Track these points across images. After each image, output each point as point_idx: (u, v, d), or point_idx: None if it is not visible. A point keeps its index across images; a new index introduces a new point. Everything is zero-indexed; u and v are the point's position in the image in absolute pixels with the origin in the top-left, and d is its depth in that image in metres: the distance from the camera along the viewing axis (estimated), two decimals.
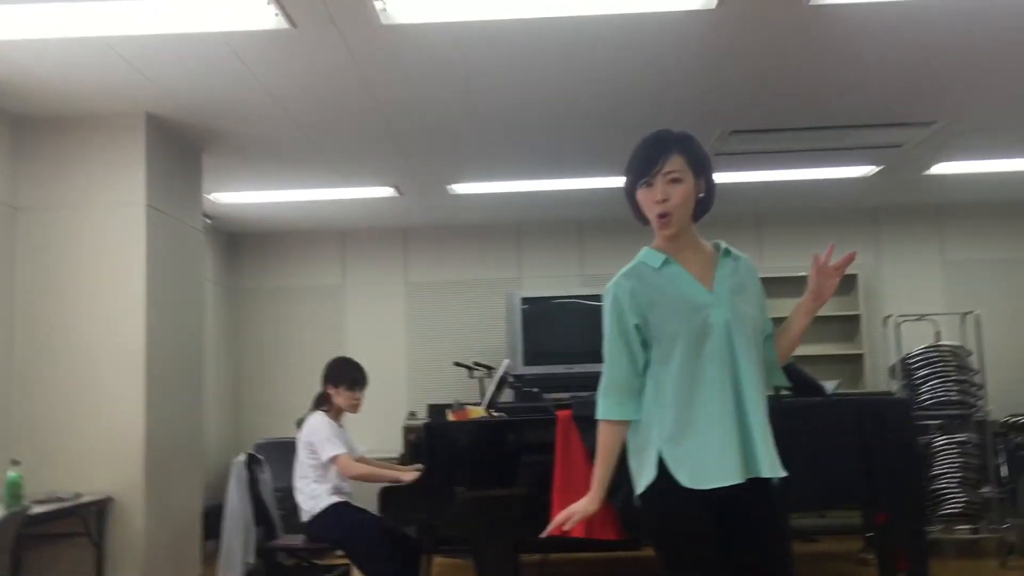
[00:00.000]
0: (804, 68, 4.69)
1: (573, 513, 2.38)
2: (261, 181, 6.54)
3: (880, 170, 6.72)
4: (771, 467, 2.29)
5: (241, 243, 8.35)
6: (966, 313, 7.03)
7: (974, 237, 8.13)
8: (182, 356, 5.34)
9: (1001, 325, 7.80)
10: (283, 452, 6.52)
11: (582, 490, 3.87)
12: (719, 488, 2.25)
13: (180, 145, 5.41)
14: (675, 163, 2.37)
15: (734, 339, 2.31)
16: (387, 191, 6.90)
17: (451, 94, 4.86)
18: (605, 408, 2.39)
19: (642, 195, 2.40)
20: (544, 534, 2.34)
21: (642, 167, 2.39)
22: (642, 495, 2.34)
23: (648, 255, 2.44)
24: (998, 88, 5.07)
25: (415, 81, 4.65)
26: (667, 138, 2.41)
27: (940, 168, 6.77)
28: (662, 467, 2.29)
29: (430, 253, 8.34)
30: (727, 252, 2.45)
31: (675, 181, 2.36)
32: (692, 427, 2.29)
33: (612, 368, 2.39)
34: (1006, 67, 4.74)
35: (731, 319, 2.32)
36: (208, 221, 7.50)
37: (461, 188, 6.89)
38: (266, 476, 4.55)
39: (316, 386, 4.72)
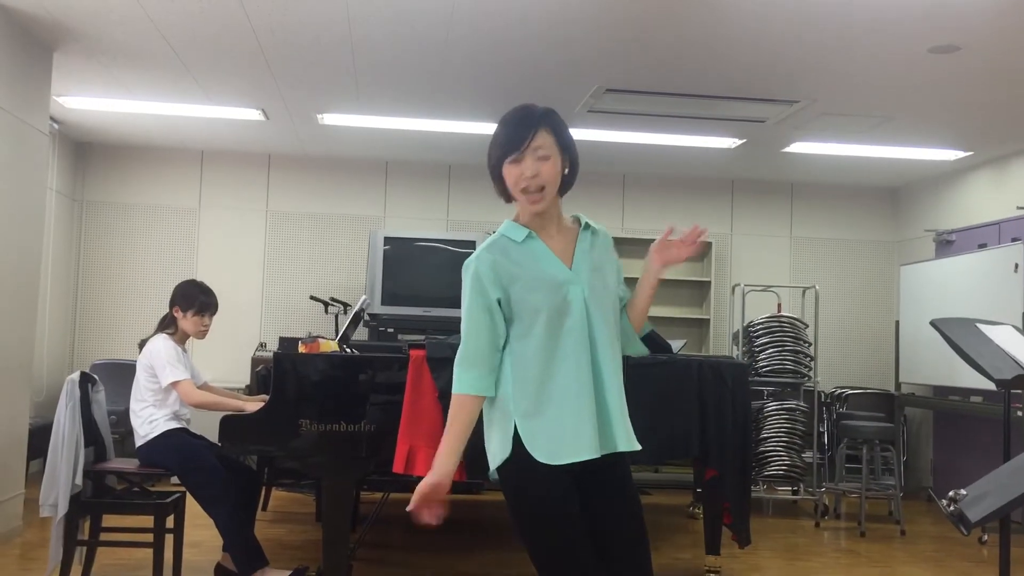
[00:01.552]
0: (679, 35, 4.77)
1: (423, 494, 2.31)
2: (117, 89, 6.17)
3: (742, 143, 6.95)
4: (627, 441, 2.36)
5: (91, 153, 7.90)
6: (807, 287, 7.41)
7: (820, 216, 8.55)
8: (16, 265, 5.03)
9: (836, 301, 8.28)
10: (122, 374, 6.29)
11: (429, 429, 3.91)
12: (575, 463, 2.28)
13: (29, 40, 5.04)
14: (543, 139, 2.35)
15: (592, 316, 2.34)
16: (254, 114, 6.65)
17: (329, 20, 4.70)
18: (462, 382, 2.34)
19: (509, 171, 2.37)
20: (410, 507, 2.28)
21: (510, 143, 2.35)
22: (498, 469, 2.35)
23: (510, 228, 2.43)
24: (858, 75, 5.31)
25: (293, 1, 4.47)
26: (533, 114, 2.37)
27: (797, 147, 7.06)
28: (517, 442, 2.30)
29: (294, 183, 8.12)
30: (587, 227, 2.47)
31: (543, 158, 2.35)
32: (548, 403, 2.30)
33: (471, 341, 2.35)
34: (867, 56, 4.97)
35: (589, 296, 2.35)
36: (55, 126, 7.05)
37: (331, 119, 6.71)
38: (100, 397, 4.35)
39: (162, 309, 4.54)
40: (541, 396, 2.31)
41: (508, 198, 2.44)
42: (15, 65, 4.88)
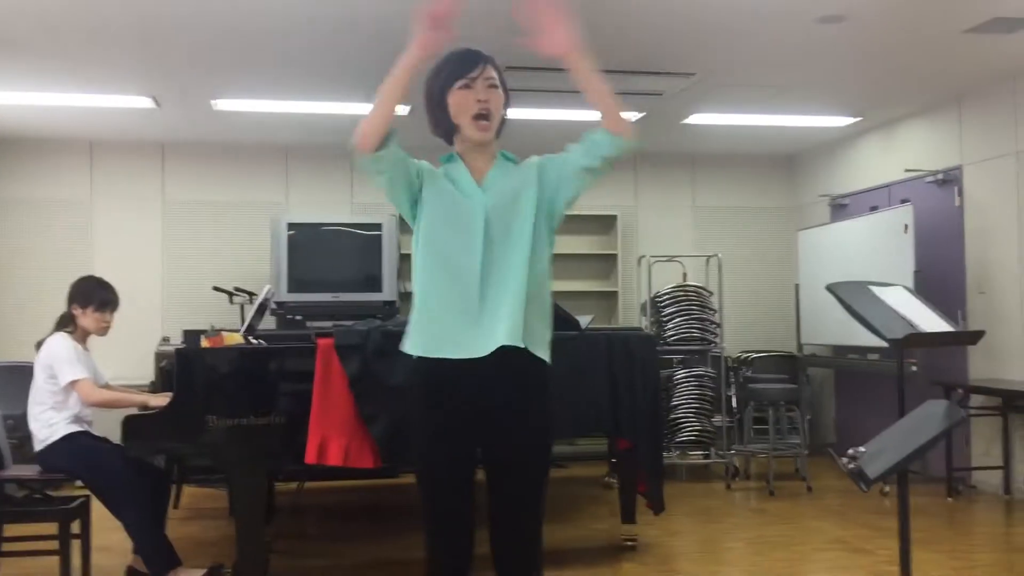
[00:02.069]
0: (573, 10, 4.78)
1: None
2: None
3: (643, 116, 7.03)
4: (509, 335, 2.31)
5: None
6: (710, 256, 7.57)
7: (721, 185, 8.73)
8: None
9: (739, 269, 8.47)
10: (15, 377, 6.03)
11: (340, 418, 3.87)
12: (456, 364, 2.32)
13: None
14: (492, 71, 2.44)
15: (491, 228, 2.38)
16: (144, 101, 6.43)
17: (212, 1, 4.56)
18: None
19: (459, 96, 2.42)
20: None
21: (462, 67, 2.42)
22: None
23: (444, 156, 2.52)
24: (751, 47, 5.42)
25: None
26: (479, 51, 2.47)
27: (696, 119, 7.18)
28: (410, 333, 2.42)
29: (191, 171, 7.89)
30: (504, 155, 2.52)
31: (493, 87, 2.43)
32: (434, 302, 2.38)
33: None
34: (758, 27, 5.07)
35: (490, 209, 2.39)
36: None
37: (225, 104, 6.53)
38: None
39: (56, 307, 4.37)
40: (429, 296, 2.39)
41: (447, 133, 2.48)
42: None
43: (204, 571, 4.11)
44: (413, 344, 2.39)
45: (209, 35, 5.08)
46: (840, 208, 8.00)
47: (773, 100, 6.65)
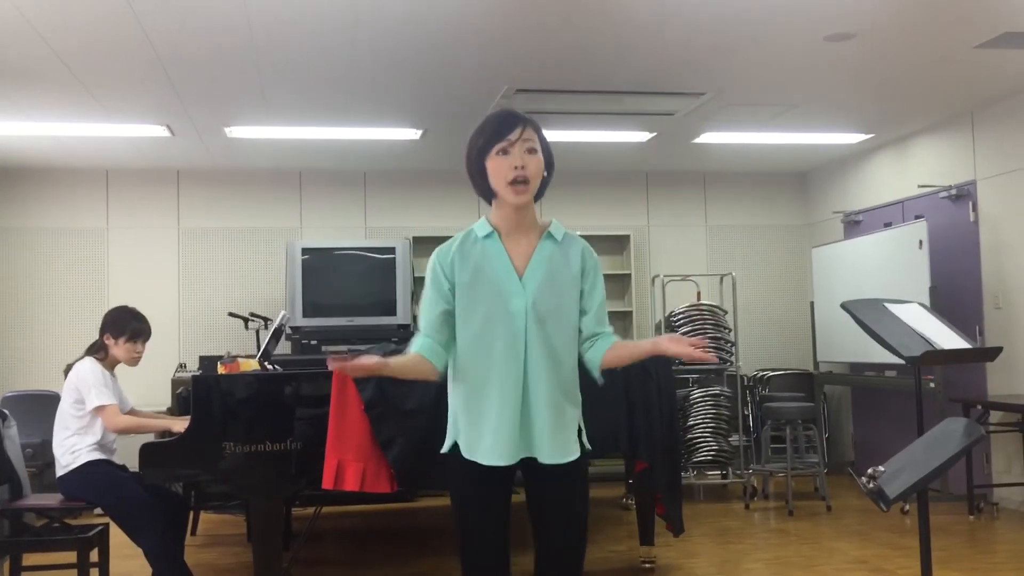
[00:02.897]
0: (585, 33, 4.81)
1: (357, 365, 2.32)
2: (12, 111, 5.95)
3: (654, 136, 7.05)
4: (551, 454, 2.38)
5: None
6: (724, 275, 7.55)
7: (734, 203, 8.72)
8: None
9: (753, 287, 8.46)
10: (36, 406, 6.08)
11: (356, 442, 3.88)
12: (501, 466, 2.35)
13: None
14: (530, 133, 2.40)
15: (529, 327, 2.36)
16: (158, 130, 6.49)
17: (230, 29, 4.61)
18: (413, 344, 2.44)
19: (496, 162, 2.38)
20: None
21: (499, 132, 2.38)
22: (444, 454, 2.46)
23: (480, 224, 2.46)
24: (760, 65, 5.43)
25: (188, 11, 4.37)
26: (520, 113, 2.43)
27: (706, 137, 7.19)
28: (453, 430, 2.43)
29: (206, 198, 7.94)
30: (549, 235, 2.47)
31: (531, 151, 2.39)
32: (478, 403, 2.37)
33: (424, 316, 2.44)
34: (767, 46, 5.08)
35: (531, 307, 2.37)
36: None
37: (239, 131, 6.59)
38: (12, 432, 4.20)
39: (76, 336, 4.43)
40: (474, 396, 2.38)
41: (485, 195, 2.45)
42: None
43: None
44: (451, 440, 2.43)
45: (221, 64, 5.13)
46: (854, 225, 7.98)
47: (784, 118, 6.65)
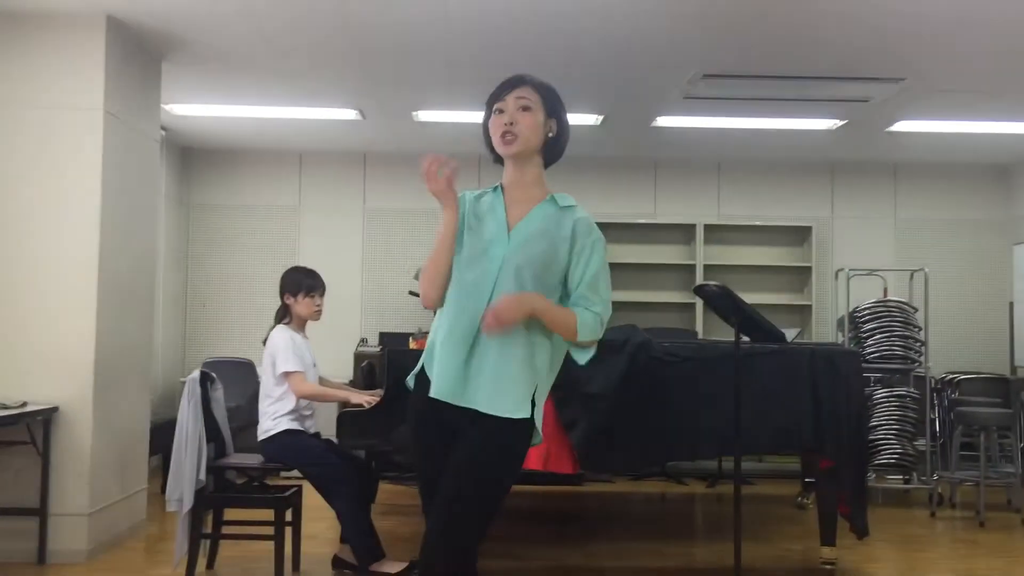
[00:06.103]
0: (779, 16, 4.67)
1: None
2: (220, 95, 6.36)
3: (844, 124, 6.77)
4: (487, 403, 2.35)
5: (195, 158, 8.15)
6: (915, 270, 7.18)
7: (927, 196, 8.27)
8: (135, 269, 5.23)
9: (946, 284, 8.00)
10: (230, 371, 6.46)
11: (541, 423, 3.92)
12: (446, 403, 2.37)
13: (140, 50, 5.21)
14: (526, 91, 2.45)
15: (502, 274, 2.38)
16: (350, 114, 6.77)
17: (428, 16, 4.74)
18: None
19: (492, 120, 2.47)
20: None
21: (497, 94, 2.47)
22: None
23: (494, 187, 2.56)
24: (966, 49, 5.11)
25: (389, 3, 4.52)
26: (526, 75, 2.50)
27: (901, 126, 6.84)
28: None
29: (390, 180, 8.22)
30: (552, 199, 2.49)
31: (525, 108, 2.44)
32: (440, 336, 2.43)
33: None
34: (975, 28, 4.78)
35: (508, 255, 2.39)
36: (163, 132, 7.29)
37: (426, 115, 6.78)
38: (219, 395, 4.49)
39: (266, 308, 4.66)
40: (440, 325, 2.45)
41: (497, 159, 2.53)
42: (128, 75, 5.06)
43: (405, 564, 4.26)
44: (418, 372, 2.50)
45: (415, 51, 5.29)
46: None
47: (987, 106, 6.24)
